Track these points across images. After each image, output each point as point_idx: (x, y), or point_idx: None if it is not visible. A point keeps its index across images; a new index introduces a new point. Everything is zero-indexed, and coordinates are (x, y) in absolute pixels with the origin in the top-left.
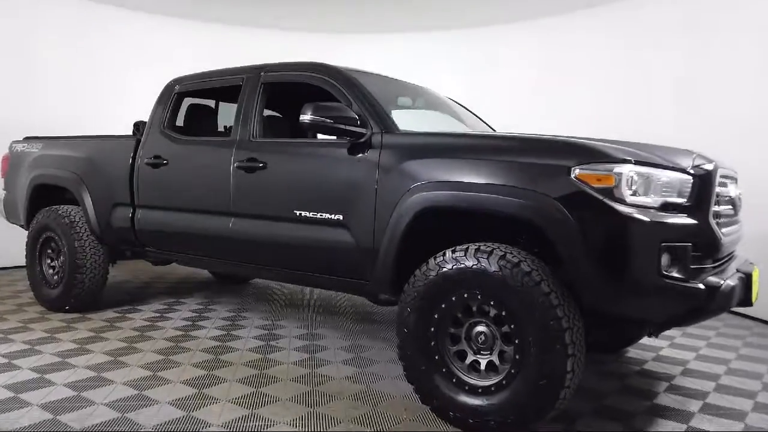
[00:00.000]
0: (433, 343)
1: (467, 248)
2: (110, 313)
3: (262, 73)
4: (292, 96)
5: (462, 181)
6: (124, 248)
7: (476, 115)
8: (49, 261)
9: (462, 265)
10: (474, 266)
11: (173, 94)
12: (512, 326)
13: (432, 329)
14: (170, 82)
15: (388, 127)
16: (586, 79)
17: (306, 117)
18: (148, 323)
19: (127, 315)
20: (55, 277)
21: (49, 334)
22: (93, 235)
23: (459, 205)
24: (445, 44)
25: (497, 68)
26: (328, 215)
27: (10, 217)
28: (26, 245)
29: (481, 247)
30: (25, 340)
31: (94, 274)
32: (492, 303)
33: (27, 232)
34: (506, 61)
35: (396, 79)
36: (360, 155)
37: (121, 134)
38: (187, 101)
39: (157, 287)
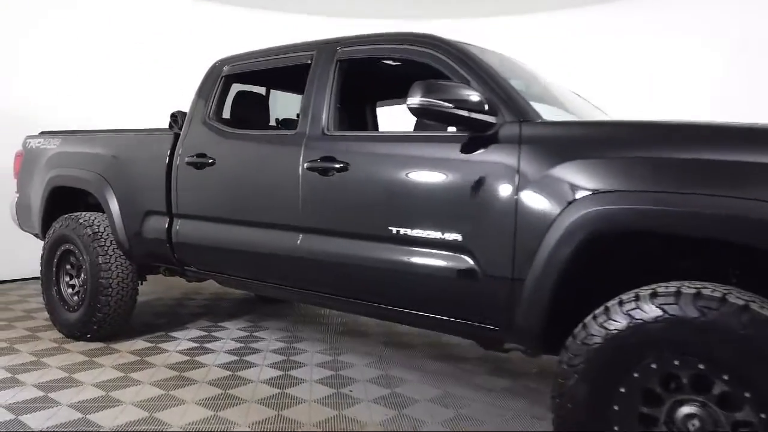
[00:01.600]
0: (617, 428)
1: (679, 291)
2: (139, 343)
3: (338, 48)
4: (372, 78)
5: (664, 192)
6: (157, 266)
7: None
8: (67, 278)
9: (674, 316)
10: (695, 319)
11: (220, 77)
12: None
13: (615, 407)
14: (216, 62)
15: (527, 114)
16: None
17: (415, 100)
18: (187, 358)
19: (159, 345)
20: (75, 297)
21: (66, 373)
22: (120, 249)
23: (661, 226)
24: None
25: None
26: (438, 234)
27: (24, 225)
28: (41, 258)
29: (703, 292)
30: (37, 382)
31: (121, 297)
32: (721, 374)
33: (42, 242)
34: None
35: (512, 59)
36: (484, 152)
37: (155, 127)
38: (234, 89)
39: (191, 305)
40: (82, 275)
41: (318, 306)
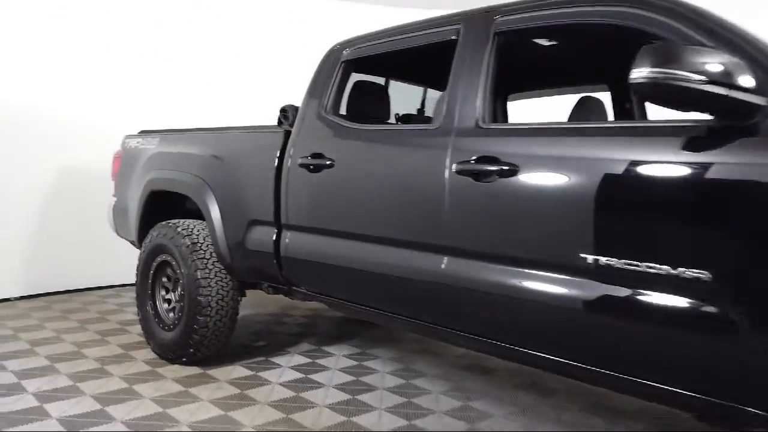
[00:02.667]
0: None
1: None
2: (239, 370)
3: (496, 18)
4: (527, 59)
5: None
6: (260, 282)
7: None
8: (163, 292)
9: None
10: None
11: (339, 63)
12: None
13: None
14: (335, 46)
15: None
16: None
17: (642, 72)
18: (292, 394)
19: (260, 374)
20: (171, 314)
21: (160, 408)
22: (221, 262)
23: None
24: None
25: None
26: (666, 269)
27: (121, 231)
28: (137, 269)
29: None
30: (126, 419)
31: (220, 317)
32: None
33: (139, 251)
34: None
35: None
36: (744, 150)
37: (262, 125)
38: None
39: (288, 323)
40: (179, 290)
41: (470, 349)
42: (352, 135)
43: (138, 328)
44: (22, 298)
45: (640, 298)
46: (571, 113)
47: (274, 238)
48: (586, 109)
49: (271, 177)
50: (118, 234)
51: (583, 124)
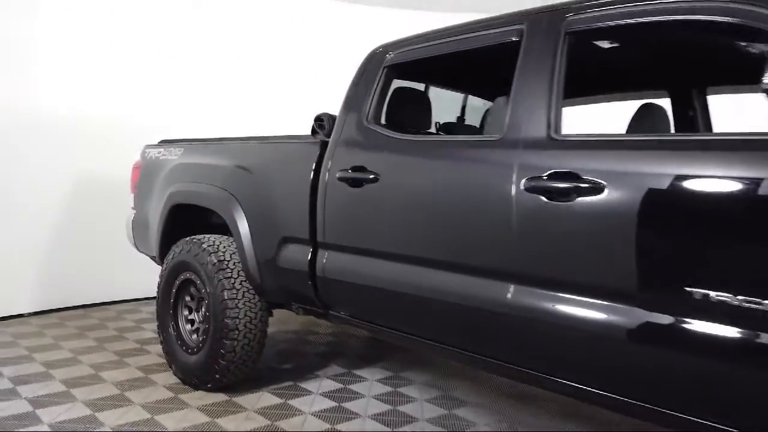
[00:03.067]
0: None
1: None
2: (267, 397)
3: (567, 17)
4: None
5: None
6: (292, 304)
7: None
8: (186, 312)
9: None
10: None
11: (382, 68)
12: None
13: None
14: (377, 49)
15: None
16: None
17: None
18: (327, 426)
19: (290, 402)
20: (194, 336)
21: None
22: (250, 282)
23: None
24: None
25: None
26: None
27: (141, 246)
28: (158, 287)
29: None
30: None
31: (248, 340)
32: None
33: (160, 268)
34: None
35: None
36: None
37: (296, 135)
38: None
39: (315, 342)
40: (203, 310)
41: (536, 386)
42: (400, 146)
43: (158, 347)
44: (35, 314)
45: (759, 341)
46: (632, 122)
47: (309, 257)
48: (649, 118)
49: (306, 192)
50: (137, 249)
51: (687, 136)
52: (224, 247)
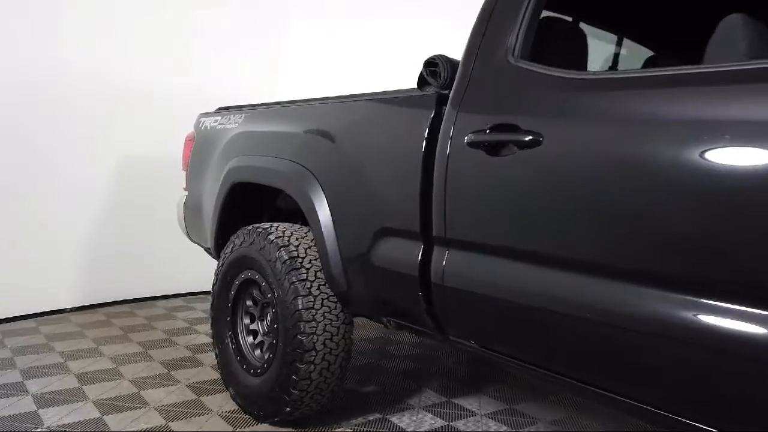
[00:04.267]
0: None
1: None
2: None
3: None
4: None
5: None
6: (389, 318)
7: None
8: (248, 321)
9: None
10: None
11: None
12: None
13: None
14: None
15: None
16: None
17: None
18: None
19: None
20: (258, 351)
21: None
22: (331, 287)
23: None
24: None
25: None
26: None
27: (194, 235)
28: (213, 288)
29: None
30: None
31: (328, 364)
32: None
33: (216, 262)
34: None
35: None
36: None
37: (396, 89)
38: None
39: (400, 356)
40: (269, 318)
41: None
42: (583, 91)
43: (212, 356)
44: (77, 309)
45: None
46: None
47: (419, 257)
48: None
49: (416, 165)
50: (190, 238)
51: None
52: (298, 239)
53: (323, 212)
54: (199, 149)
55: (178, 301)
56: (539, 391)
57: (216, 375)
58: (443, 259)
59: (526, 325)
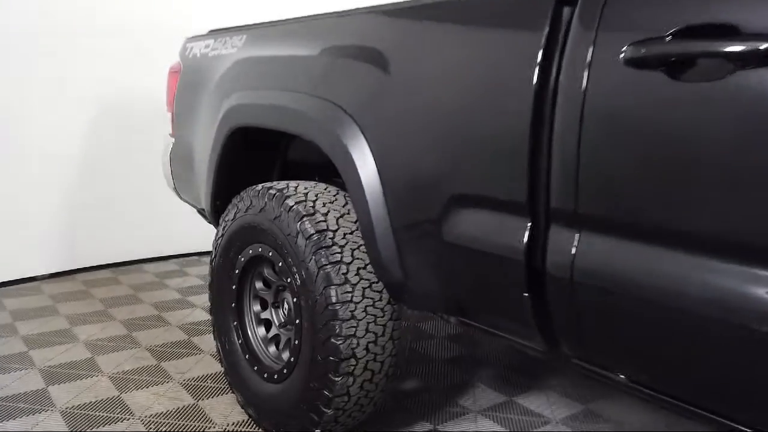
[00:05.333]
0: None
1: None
2: None
3: None
4: None
5: None
6: (469, 322)
7: None
8: (257, 307)
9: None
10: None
11: None
12: None
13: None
14: None
15: None
16: None
17: None
18: None
19: None
20: (272, 348)
21: None
22: (378, 274)
23: None
24: None
25: None
26: None
27: (184, 192)
28: (211, 264)
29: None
30: None
31: (373, 372)
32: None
33: (214, 230)
34: None
35: None
36: None
37: None
38: None
39: (442, 337)
40: (285, 304)
41: None
42: None
43: (211, 339)
44: (52, 276)
45: None
46: None
47: (524, 238)
48: None
49: (525, 103)
50: (179, 196)
51: None
52: (325, 205)
53: (366, 168)
54: (186, 84)
55: (170, 265)
56: (607, 389)
57: (218, 366)
58: (571, 244)
59: (730, 357)
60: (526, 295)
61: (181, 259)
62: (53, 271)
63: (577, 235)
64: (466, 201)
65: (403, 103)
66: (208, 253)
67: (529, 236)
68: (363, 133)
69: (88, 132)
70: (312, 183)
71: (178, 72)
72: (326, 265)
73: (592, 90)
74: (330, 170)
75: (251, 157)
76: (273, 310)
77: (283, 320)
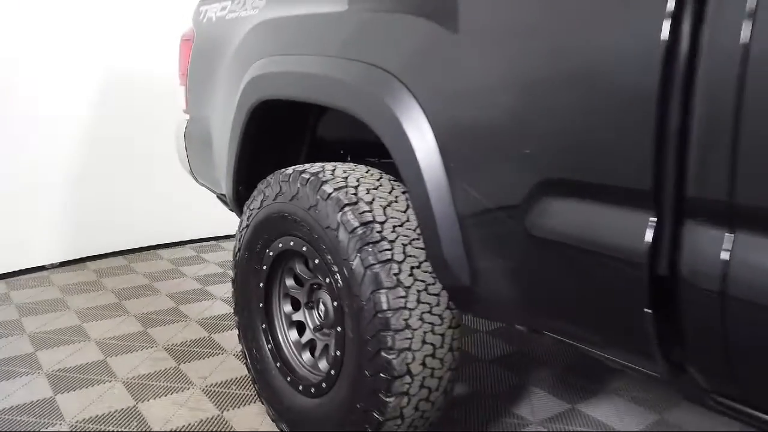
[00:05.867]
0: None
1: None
2: None
3: None
4: None
5: None
6: (559, 337)
7: None
8: (289, 308)
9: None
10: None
11: None
12: None
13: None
14: None
15: None
16: None
17: None
18: None
19: None
20: (307, 355)
21: None
22: (441, 275)
23: None
24: None
25: None
26: None
27: (201, 174)
28: (235, 256)
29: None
30: None
31: (430, 390)
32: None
33: (237, 218)
34: None
35: None
36: None
37: None
38: None
39: (486, 333)
40: (320, 305)
41: None
42: None
43: (233, 336)
44: (63, 264)
45: None
46: None
47: (648, 238)
48: None
49: (651, 71)
50: (196, 180)
51: None
52: (372, 192)
53: (425, 145)
54: (201, 53)
55: (187, 251)
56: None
57: (243, 369)
58: (720, 246)
59: None
60: (648, 310)
61: (197, 244)
62: (63, 259)
63: (730, 236)
64: (563, 187)
65: (475, 66)
66: (226, 237)
67: (655, 235)
68: (420, 104)
69: (98, 114)
70: (350, 165)
71: (191, 40)
72: (374, 264)
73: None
74: (362, 148)
75: (277, 135)
76: (306, 310)
77: (318, 323)
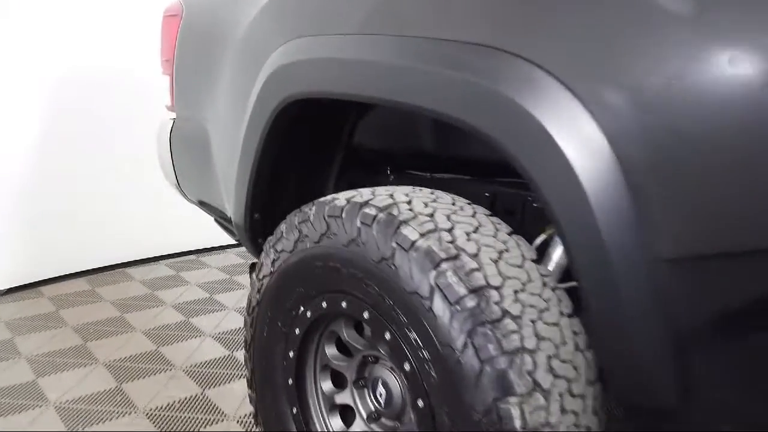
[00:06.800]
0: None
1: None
2: None
3: None
4: None
5: None
6: None
7: None
8: (329, 385)
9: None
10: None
11: None
12: None
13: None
14: None
15: None
16: None
17: None
18: None
19: None
20: None
21: None
22: (619, 380)
23: None
24: None
25: None
26: None
27: (191, 190)
28: (249, 312)
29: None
30: None
31: None
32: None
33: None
34: None
35: None
36: None
37: None
38: None
39: None
40: (380, 389)
41: None
42: None
43: (243, 392)
44: (11, 291)
45: None
46: None
47: None
48: None
49: None
50: (183, 194)
51: None
52: (473, 237)
53: (593, 167)
54: (193, 33)
55: (162, 269)
56: None
57: None
58: None
59: None
60: None
61: (174, 260)
62: (11, 285)
63: None
64: None
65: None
66: (208, 250)
67: None
68: (581, 101)
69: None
70: (423, 192)
71: (177, 16)
72: (496, 357)
73: None
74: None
75: (306, 144)
76: (355, 390)
77: (374, 409)
